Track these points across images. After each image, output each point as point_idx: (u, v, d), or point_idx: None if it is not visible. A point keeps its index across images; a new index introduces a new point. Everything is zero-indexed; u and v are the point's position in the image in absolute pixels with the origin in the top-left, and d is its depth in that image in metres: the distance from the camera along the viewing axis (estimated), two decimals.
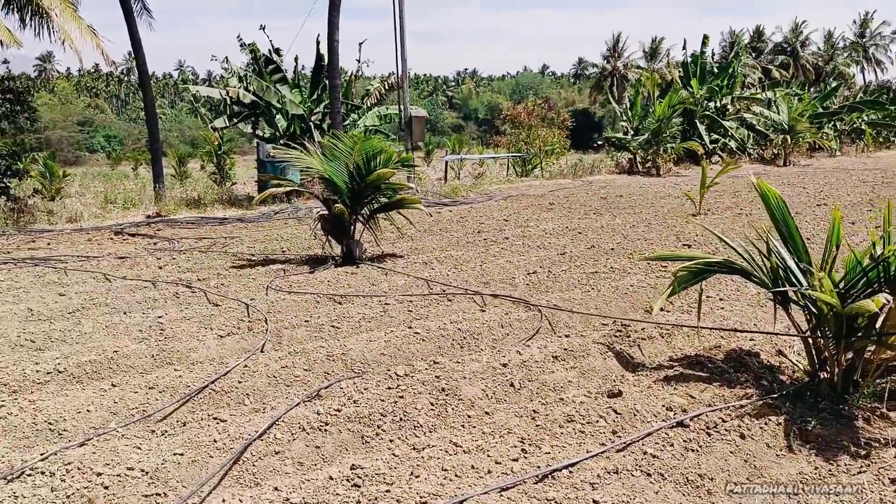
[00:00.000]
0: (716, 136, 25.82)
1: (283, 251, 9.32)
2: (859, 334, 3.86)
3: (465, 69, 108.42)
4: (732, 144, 25.82)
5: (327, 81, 18.75)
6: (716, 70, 26.92)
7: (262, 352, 4.95)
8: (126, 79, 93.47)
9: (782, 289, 4.08)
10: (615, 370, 4.52)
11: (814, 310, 4.07)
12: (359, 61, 21.87)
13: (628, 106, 24.75)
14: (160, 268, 8.22)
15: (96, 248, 9.81)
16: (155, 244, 10.08)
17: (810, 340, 4.12)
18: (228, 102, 20.61)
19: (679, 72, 27.60)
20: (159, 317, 5.88)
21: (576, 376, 4.42)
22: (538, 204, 14.23)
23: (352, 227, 8.36)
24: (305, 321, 5.67)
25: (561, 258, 8.36)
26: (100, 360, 4.72)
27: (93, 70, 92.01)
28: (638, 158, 23.66)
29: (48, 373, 4.51)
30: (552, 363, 4.59)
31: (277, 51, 20.61)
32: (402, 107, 16.23)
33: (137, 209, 13.69)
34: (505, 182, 20.53)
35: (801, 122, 25.36)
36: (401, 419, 3.75)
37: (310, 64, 21.17)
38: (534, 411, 3.78)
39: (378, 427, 3.67)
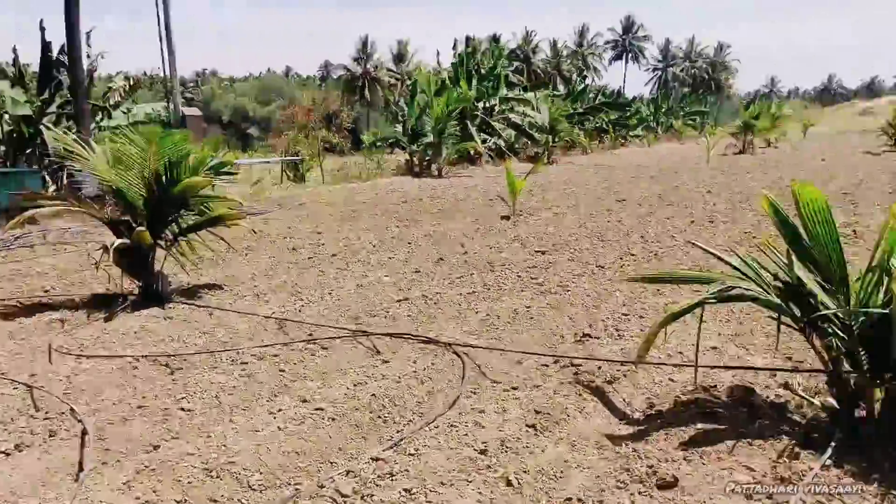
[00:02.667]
0: (485, 136, 26.25)
1: (47, 291, 6.97)
2: None
3: (205, 69, 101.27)
4: (501, 144, 26.45)
5: (65, 74, 15.56)
6: (482, 72, 27.41)
7: (81, 474, 3.11)
8: None
9: (823, 312, 3.30)
10: (612, 433, 3.45)
11: (843, 335, 3.36)
12: (89, 56, 18.59)
13: (404, 106, 24.18)
14: None
15: None
16: None
17: (843, 373, 3.40)
18: None
19: (449, 73, 27.69)
20: None
21: (568, 451, 3.28)
22: (341, 212, 12.83)
23: (152, 255, 6.40)
24: (138, 407, 3.85)
25: (417, 276, 7.17)
26: None
27: None
28: (415, 160, 23.16)
29: None
30: (533, 436, 3.40)
31: None
32: (171, 104, 13.83)
33: None
34: (285, 189, 18.76)
35: (561, 122, 26.73)
36: None
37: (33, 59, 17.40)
38: None
39: None
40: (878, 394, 3.35)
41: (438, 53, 60.37)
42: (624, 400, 3.86)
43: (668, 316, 3.51)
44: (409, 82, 31.33)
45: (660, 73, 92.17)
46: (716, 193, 13.60)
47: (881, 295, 3.33)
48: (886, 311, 3.26)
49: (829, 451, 3.13)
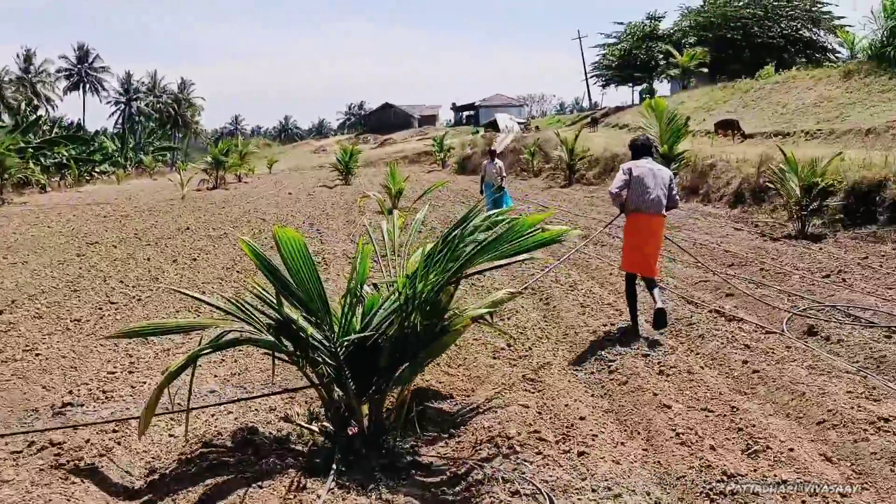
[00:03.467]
0: None
1: None
2: (395, 374, 3.61)
3: None
4: None
5: None
6: None
7: None
8: None
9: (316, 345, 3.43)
10: None
11: (332, 363, 3.59)
12: None
13: None
14: None
15: None
16: None
17: (335, 396, 3.63)
18: None
19: None
20: None
21: None
22: None
23: None
24: None
25: None
26: None
27: None
28: None
29: None
30: None
31: None
32: None
33: None
34: None
35: (10, 157, 23.36)
36: None
37: None
38: None
39: None
40: (365, 410, 3.67)
41: None
42: (123, 471, 3.44)
43: (163, 381, 3.24)
44: None
45: (123, 106, 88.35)
46: (195, 230, 13.54)
47: (358, 320, 3.67)
48: (364, 334, 3.60)
49: (332, 474, 3.30)
